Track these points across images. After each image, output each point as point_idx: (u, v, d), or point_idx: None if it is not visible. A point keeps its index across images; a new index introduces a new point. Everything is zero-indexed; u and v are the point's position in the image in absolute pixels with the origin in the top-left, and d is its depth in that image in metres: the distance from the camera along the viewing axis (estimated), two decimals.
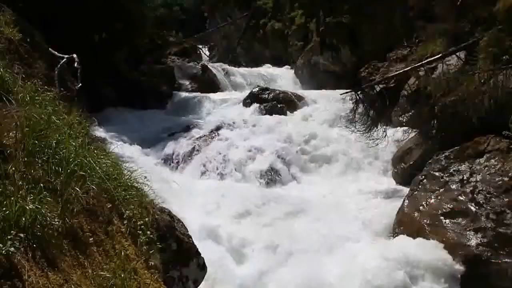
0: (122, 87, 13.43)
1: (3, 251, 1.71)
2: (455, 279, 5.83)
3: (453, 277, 5.85)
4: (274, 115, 12.61)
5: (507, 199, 6.28)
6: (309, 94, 14.64)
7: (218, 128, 11.77)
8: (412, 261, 5.97)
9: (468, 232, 6.16)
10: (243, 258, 6.52)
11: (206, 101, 14.51)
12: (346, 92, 9.92)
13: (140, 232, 2.79)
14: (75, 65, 6.97)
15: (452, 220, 6.44)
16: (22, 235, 1.82)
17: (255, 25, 23.49)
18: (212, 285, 5.23)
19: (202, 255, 3.93)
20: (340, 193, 9.00)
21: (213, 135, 11.38)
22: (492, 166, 6.81)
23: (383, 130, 8.84)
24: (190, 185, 9.03)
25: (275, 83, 17.95)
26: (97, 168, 2.68)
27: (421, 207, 6.86)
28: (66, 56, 6.84)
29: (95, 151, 3.06)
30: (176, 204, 6.15)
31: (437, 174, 7.30)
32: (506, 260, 5.71)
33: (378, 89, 9.21)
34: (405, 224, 6.83)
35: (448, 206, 6.65)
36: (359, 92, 8.97)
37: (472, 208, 6.43)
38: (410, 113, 10.14)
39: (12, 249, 1.73)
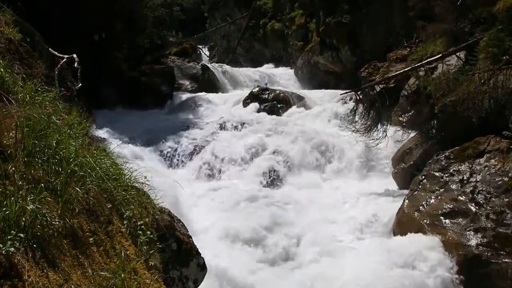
0: (122, 87, 13.44)
1: (3, 251, 1.71)
2: (455, 279, 5.83)
3: (453, 277, 5.85)
4: (274, 115, 12.62)
5: (507, 199, 6.28)
6: (309, 94, 14.64)
7: (218, 128, 11.79)
8: (412, 262, 5.97)
9: (468, 232, 6.16)
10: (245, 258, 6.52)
11: (206, 101, 14.52)
12: (346, 92, 9.93)
13: (140, 232, 2.79)
14: (75, 65, 6.96)
15: (452, 220, 6.44)
16: (22, 235, 1.81)
17: (255, 25, 23.49)
18: None
19: (202, 255, 3.94)
20: (340, 193, 9.01)
21: (213, 135, 11.39)
22: (492, 166, 6.81)
23: (383, 130, 8.84)
24: (190, 185, 9.04)
25: (275, 83, 17.96)
26: (97, 168, 2.67)
27: (421, 207, 6.85)
28: (66, 56, 6.83)
29: (95, 151, 3.06)
30: (176, 204, 6.16)
31: (437, 174, 7.30)
32: (506, 260, 5.71)
33: (378, 89, 9.20)
34: (405, 224, 6.83)
35: (448, 206, 6.64)
36: (359, 92, 8.97)
37: (472, 208, 6.43)
38: (410, 113, 10.13)
39: (12, 249, 1.73)
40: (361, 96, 8.94)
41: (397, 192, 8.61)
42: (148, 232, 2.82)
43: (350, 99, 11.14)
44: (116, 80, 13.38)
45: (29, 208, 1.92)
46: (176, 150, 10.79)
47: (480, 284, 5.76)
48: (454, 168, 7.20)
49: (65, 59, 6.73)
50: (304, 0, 18.79)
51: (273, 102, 13.14)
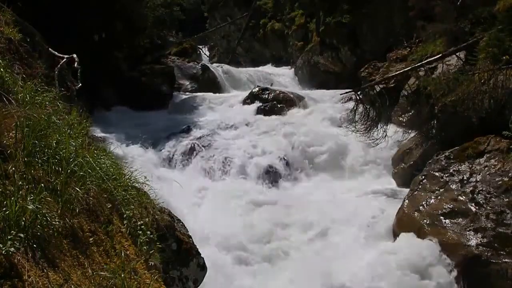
0: (122, 87, 13.42)
1: (3, 251, 1.71)
2: (455, 279, 5.83)
3: (453, 277, 5.85)
4: (273, 115, 12.61)
5: (507, 199, 6.29)
6: (309, 94, 14.63)
7: (218, 128, 11.78)
8: (412, 262, 5.97)
9: (468, 232, 6.16)
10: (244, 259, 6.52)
11: (206, 101, 14.50)
12: (346, 92, 9.92)
13: (140, 232, 2.79)
14: (75, 65, 6.95)
15: (452, 220, 6.44)
16: (22, 235, 1.82)
17: (255, 25, 23.48)
18: None
19: (202, 255, 3.94)
20: (340, 194, 9.00)
21: (213, 135, 11.39)
22: (492, 166, 6.81)
23: (383, 130, 8.84)
24: (189, 185, 9.04)
25: (275, 83, 17.94)
26: (97, 168, 2.67)
27: (421, 207, 6.86)
28: (66, 56, 6.82)
29: (95, 151, 3.06)
30: (176, 204, 6.16)
31: (437, 174, 7.30)
32: (506, 260, 5.71)
33: (378, 89, 9.20)
34: (405, 224, 6.83)
35: (448, 206, 6.65)
36: (359, 92, 8.97)
37: (472, 208, 6.43)
38: (410, 113, 10.14)
39: (12, 249, 1.73)
40: (361, 96, 8.93)
41: (397, 192, 8.61)
42: (148, 232, 2.83)
43: (350, 99, 11.13)
44: (116, 80, 13.37)
45: (29, 208, 1.92)
46: (176, 150, 10.79)
47: (480, 284, 5.76)
48: (454, 168, 7.20)
49: (65, 59, 6.72)
50: (304, 0, 18.78)
51: (273, 102, 13.12)
